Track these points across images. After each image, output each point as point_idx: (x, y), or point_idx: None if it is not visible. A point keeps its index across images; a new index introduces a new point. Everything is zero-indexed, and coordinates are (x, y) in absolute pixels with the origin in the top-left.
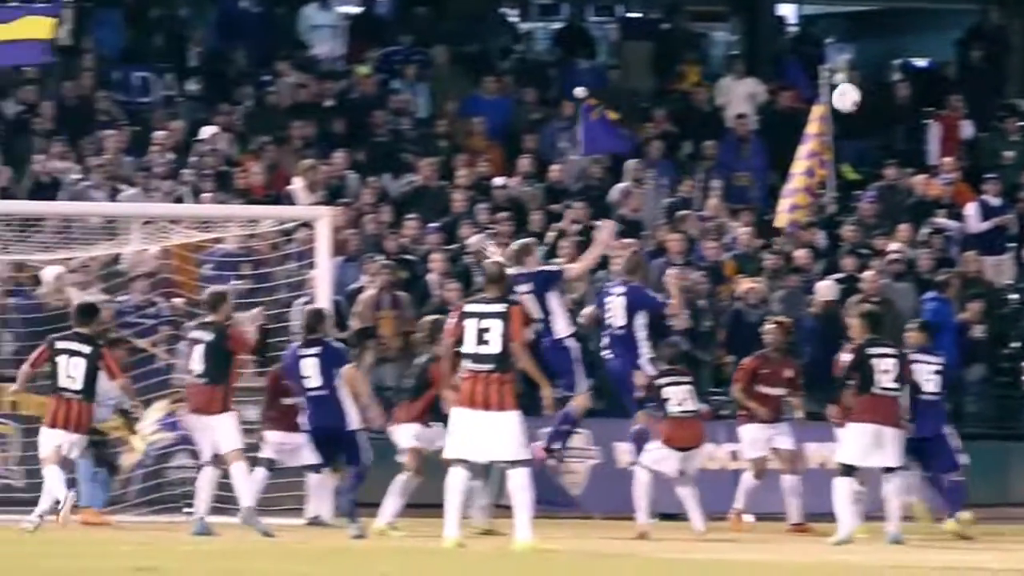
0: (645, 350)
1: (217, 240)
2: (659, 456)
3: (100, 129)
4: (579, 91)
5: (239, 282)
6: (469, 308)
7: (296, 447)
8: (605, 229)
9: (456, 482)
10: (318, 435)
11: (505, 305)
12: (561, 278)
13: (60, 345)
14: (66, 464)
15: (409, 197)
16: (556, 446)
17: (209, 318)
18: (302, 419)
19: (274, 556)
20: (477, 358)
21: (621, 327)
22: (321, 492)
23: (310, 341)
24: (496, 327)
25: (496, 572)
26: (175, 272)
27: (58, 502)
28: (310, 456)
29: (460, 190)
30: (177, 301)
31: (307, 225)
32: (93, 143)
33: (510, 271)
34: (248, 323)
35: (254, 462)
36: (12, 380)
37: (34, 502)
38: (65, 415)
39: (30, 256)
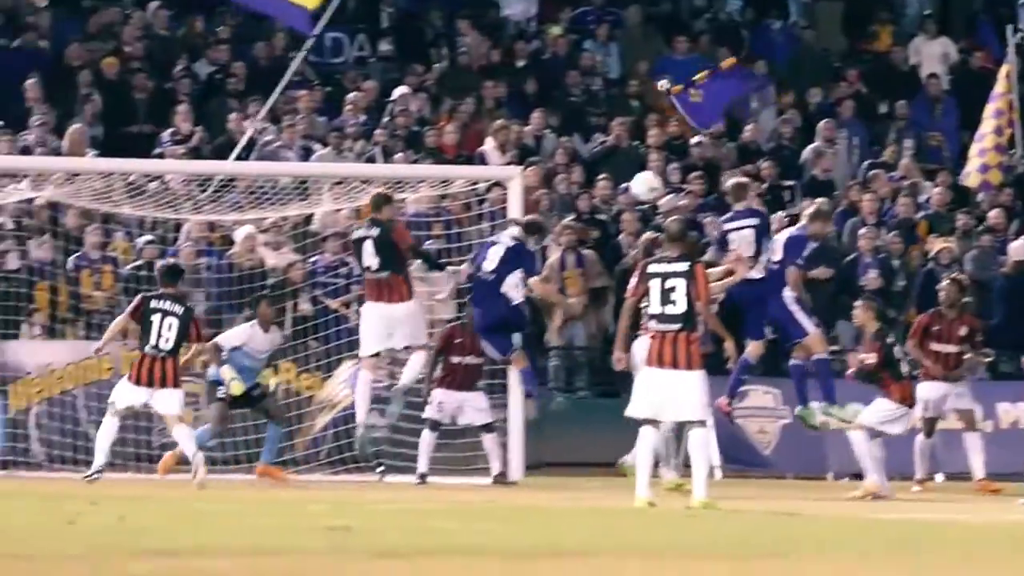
0: (789, 292)
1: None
2: (892, 416)
3: (293, 90)
4: (662, 84)
5: (431, 242)
6: (652, 268)
7: (459, 405)
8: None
9: (646, 442)
10: (488, 325)
11: (688, 264)
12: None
13: (154, 305)
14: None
15: (600, 157)
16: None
17: (372, 216)
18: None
19: (465, 516)
20: (663, 318)
21: (776, 262)
22: (499, 450)
23: (507, 238)
24: (680, 286)
25: (687, 532)
26: None
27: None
28: (476, 416)
29: (652, 150)
30: None
31: (499, 185)
32: (286, 103)
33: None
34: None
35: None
36: (207, 339)
37: (227, 460)
38: (149, 372)
39: (222, 216)
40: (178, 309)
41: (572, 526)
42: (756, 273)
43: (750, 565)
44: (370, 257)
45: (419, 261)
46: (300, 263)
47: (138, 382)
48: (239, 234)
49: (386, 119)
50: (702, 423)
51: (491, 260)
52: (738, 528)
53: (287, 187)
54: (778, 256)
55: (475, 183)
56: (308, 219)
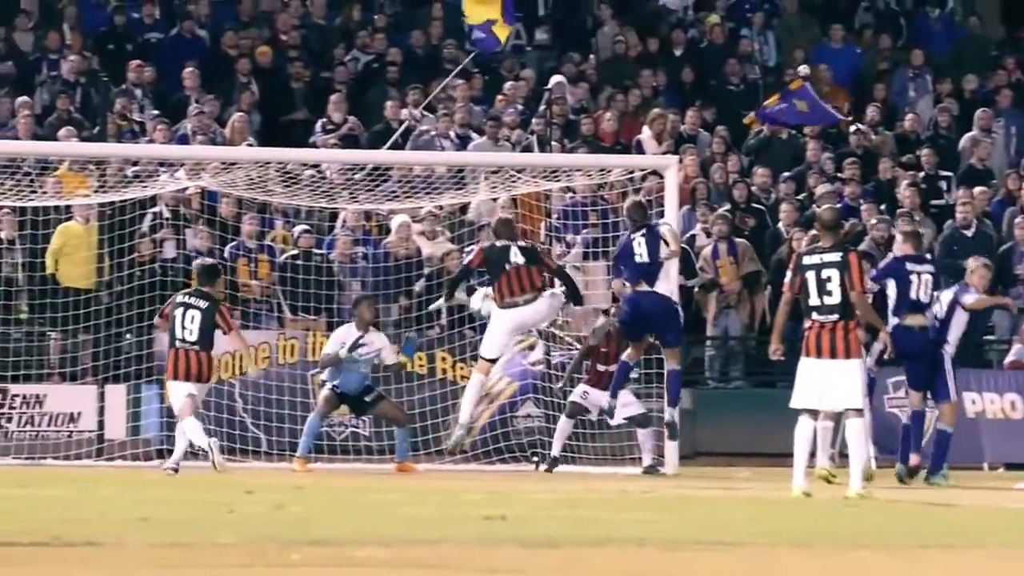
0: (949, 351)
1: (566, 189)
2: None
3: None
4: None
5: (587, 231)
6: (806, 260)
7: (596, 402)
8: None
9: (803, 432)
10: (634, 314)
11: (841, 253)
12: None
13: (180, 300)
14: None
15: (758, 146)
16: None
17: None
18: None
19: (620, 506)
20: (823, 309)
21: (940, 320)
22: (652, 443)
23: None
24: (835, 276)
25: (842, 522)
26: (522, 221)
27: (196, 451)
28: (624, 411)
29: (809, 139)
30: None
31: (656, 174)
32: (442, 92)
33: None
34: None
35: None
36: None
37: (381, 451)
38: (186, 366)
39: (378, 205)
40: (202, 304)
41: (727, 516)
42: (931, 314)
43: (905, 555)
44: (516, 256)
45: (561, 287)
46: (456, 252)
47: (175, 377)
48: (395, 223)
49: (543, 108)
50: (860, 412)
51: (641, 254)
52: (893, 518)
53: (443, 176)
54: (943, 312)
55: (632, 172)
56: (464, 208)
